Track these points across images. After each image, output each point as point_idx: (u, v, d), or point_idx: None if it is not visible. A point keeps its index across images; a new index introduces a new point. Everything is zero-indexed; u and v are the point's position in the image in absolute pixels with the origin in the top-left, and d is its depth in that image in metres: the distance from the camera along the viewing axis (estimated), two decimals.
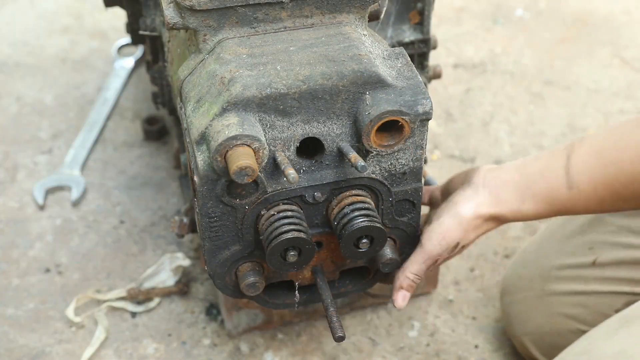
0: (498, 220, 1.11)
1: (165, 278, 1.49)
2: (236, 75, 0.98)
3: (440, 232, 1.10)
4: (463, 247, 1.13)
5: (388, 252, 1.13)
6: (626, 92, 1.94)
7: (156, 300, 1.47)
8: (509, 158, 1.76)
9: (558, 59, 2.04)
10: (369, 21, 1.10)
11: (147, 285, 1.49)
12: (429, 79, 1.45)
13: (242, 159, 0.93)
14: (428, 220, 1.15)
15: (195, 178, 1.01)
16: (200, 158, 0.98)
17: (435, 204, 1.21)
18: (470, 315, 1.46)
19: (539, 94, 1.94)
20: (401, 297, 1.16)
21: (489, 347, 1.41)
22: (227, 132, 0.94)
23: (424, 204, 1.22)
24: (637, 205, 1.05)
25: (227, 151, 0.95)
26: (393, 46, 1.33)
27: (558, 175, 1.05)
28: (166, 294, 1.48)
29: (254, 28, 1.05)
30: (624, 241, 1.18)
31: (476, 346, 1.42)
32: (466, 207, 1.09)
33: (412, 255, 1.14)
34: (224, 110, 0.97)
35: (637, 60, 2.03)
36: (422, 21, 1.36)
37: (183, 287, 1.48)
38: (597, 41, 2.09)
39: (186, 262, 1.49)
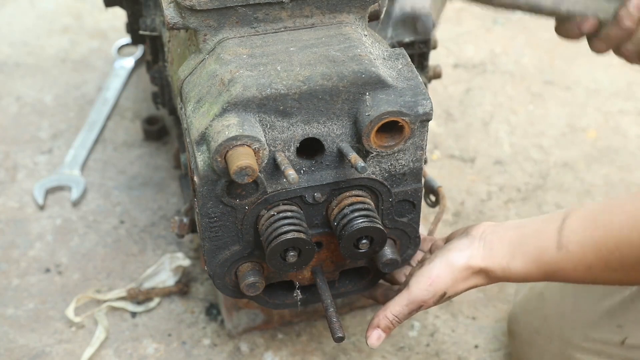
0: (488, 276, 1.08)
1: (165, 278, 1.49)
2: (236, 75, 0.98)
3: (430, 276, 1.07)
4: (449, 297, 1.10)
5: (388, 252, 1.13)
6: (626, 92, 1.94)
7: (156, 300, 1.47)
8: (509, 158, 1.77)
9: (558, 59, 2.04)
10: (369, 21, 1.10)
11: (147, 285, 1.49)
12: (429, 79, 1.45)
13: (242, 159, 0.93)
14: (421, 263, 1.12)
15: (195, 178, 1.01)
16: (200, 158, 0.98)
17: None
18: (470, 315, 1.47)
19: (539, 94, 1.94)
20: (375, 336, 1.11)
21: (489, 347, 1.41)
22: (227, 133, 0.94)
23: (424, 251, 1.21)
24: (626, 279, 1.01)
25: (227, 151, 0.95)
26: (393, 46, 1.33)
27: (550, 235, 1.03)
28: (166, 294, 1.48)
29: (254, 28, 1.05)
30: None
31: (476, 346, 1.42)
32: (458, 255, 1.07)
33: (397, 296, 1.10)
34: (224, 111, 0.97)
35: None
36: None
37: (183, 287, 1.48)
38: None
39: (186, 262, 1.49)
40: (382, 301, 1.20)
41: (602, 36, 1.27)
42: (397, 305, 1.09)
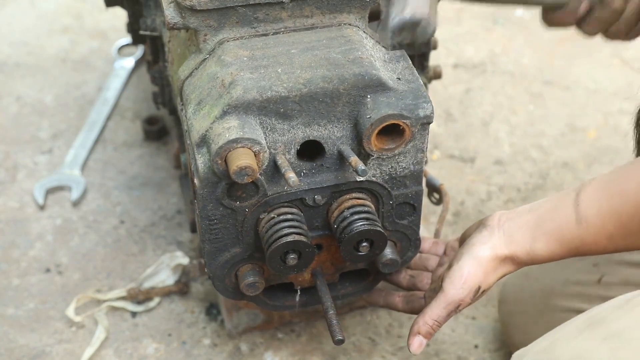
0: (514, 262, 1.09)
1: (165, 278, 1.49)
2: (237, 78, 0.98)
3: (461, 274, 1.07)
4: (484, 292, 1.10)
5: (388, 252, 1.13)
6: (626, 92, 1.94)
7: (156, 300, 1.47)
8: (509, 158, 1.77)
9: (558, 59, 2.04)
10: (369, 21, 1.11)
11: (147, 285, 1.49)
12: (429, 80, 1.44)
13: (242, 159, 0.93)
14: (448, 265, 1.12)
15: (196, 180, 1.01)
16: (201, 161, 0.98)
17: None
18: (470, 315, 1.47)
19: (539, 94, 1.94)
20: (417, 344, 1.11)
21: (489, 347, 1.42)
22: (227, 135, 0.94)
23: (439, 255, 1.22)
24: None
25: (228, 154, 0.95)
26: (394, 47, 1.33)
27: (567, 211, 1.04)
28: (166, 293, 1.48)
29: (254, 28, 1.05)
30: (628, 259, 1.15)
31: (476, 346, 1.42)
32: (483, 248, 1.07)
33: (433, 300, 1.10)
34: (224, 113, 0.97)
35: (637, 60, 2.03)
36: None
37: (183, 287, 1.48)
38: (597, 41, 2.08)
39: (186, 261, 1.49)
40: (404, 309, 1.20)
41: (592, 20, 1.31)
42: (435, 309, 1.09)
